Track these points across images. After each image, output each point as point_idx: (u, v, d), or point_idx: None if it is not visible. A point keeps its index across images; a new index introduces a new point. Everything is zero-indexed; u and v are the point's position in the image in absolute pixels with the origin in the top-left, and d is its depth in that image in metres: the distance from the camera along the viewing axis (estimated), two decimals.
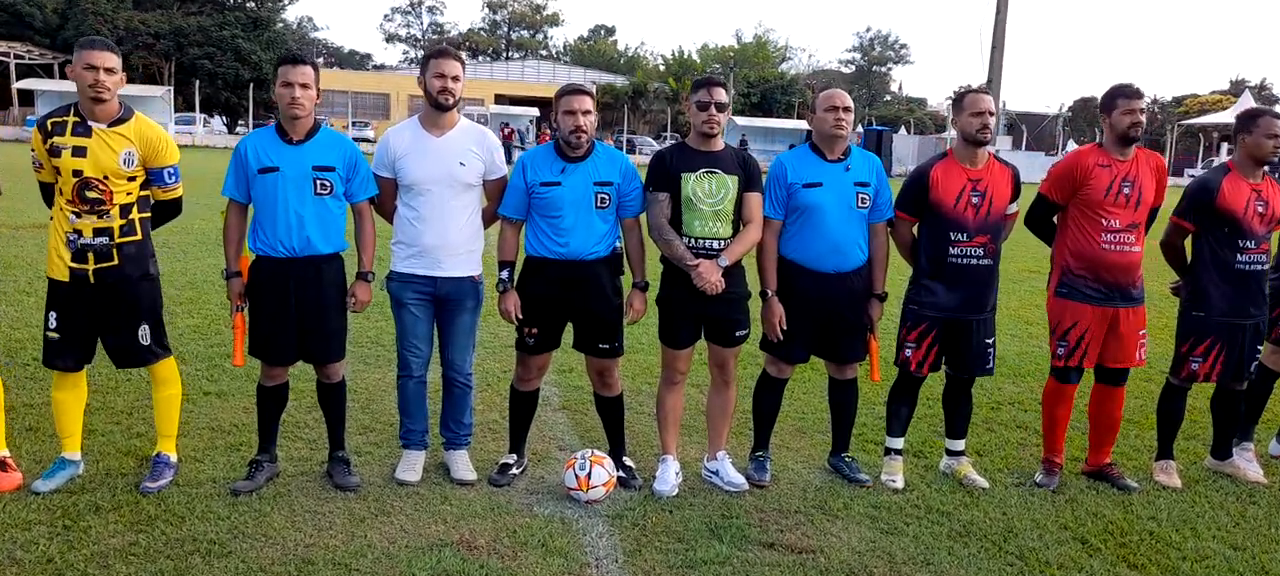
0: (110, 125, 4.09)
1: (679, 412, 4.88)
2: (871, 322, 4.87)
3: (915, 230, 4.91)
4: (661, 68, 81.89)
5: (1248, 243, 4.89)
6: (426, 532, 4.08)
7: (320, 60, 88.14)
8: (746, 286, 4.73)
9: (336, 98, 56.92)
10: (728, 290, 4.59)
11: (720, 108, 4.51)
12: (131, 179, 4.16)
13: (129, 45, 58.25)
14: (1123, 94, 4.78)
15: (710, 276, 4.43)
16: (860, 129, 51.42)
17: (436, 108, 4.43)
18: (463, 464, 4.72)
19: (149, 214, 4.31)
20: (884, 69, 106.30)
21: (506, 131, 44.77)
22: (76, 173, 4.03)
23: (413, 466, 4.67)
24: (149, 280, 4.31)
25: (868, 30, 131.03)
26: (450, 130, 4.50)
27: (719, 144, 4.59)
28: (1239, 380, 5.14)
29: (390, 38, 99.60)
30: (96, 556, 3.71)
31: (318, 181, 4.26)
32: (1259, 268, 4.95)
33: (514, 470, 4.77)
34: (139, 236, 4.23)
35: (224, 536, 3.93)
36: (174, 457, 4.53)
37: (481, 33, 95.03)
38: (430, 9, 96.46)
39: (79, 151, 4.02)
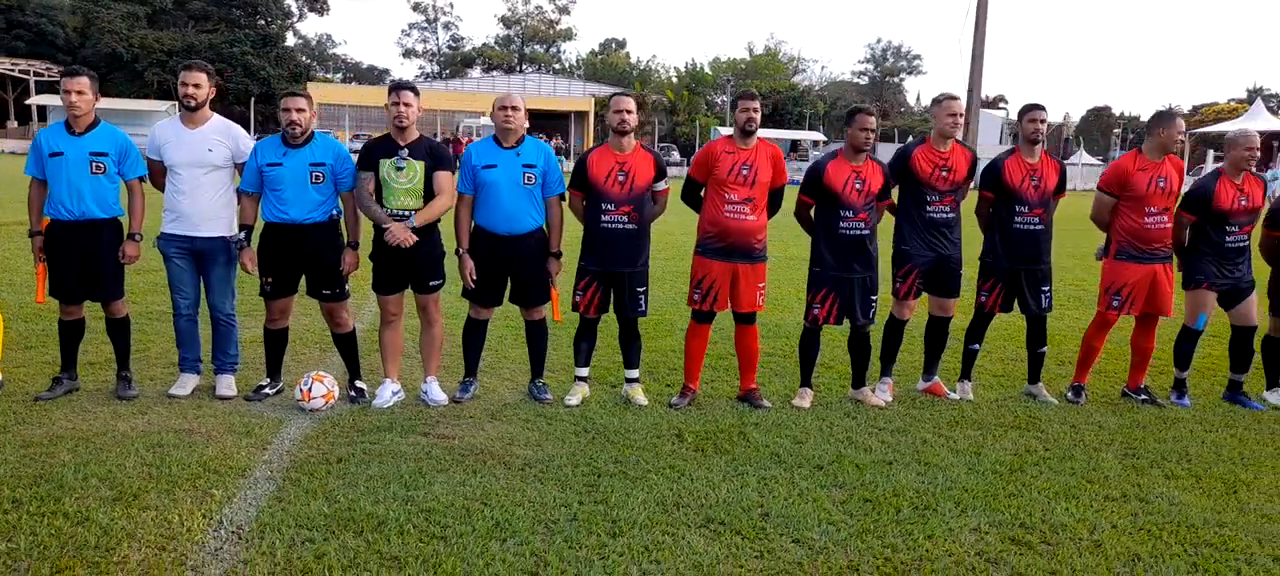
0: None
1: (396, 346, 6.23)
2: (550, 275, 6.20)
3: (583, 203, 6.23)
4: (673, 80, 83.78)
5: (847, 212, 6.17)
6: (165, 425, 5.45)
7: (337, 76, 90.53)
8: (440, 245, 6.08)
9: (338, 111, 58.56)
10: (421, 248, 5.94)
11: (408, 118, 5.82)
12: None
13: (144, 62, 60.75)
14: (744, 96, 6.10)
15: (399, 234, 5.76)
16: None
17: (186, 109, 5.83)
18: (226, 384, 6.10)
19: None
20: (897, 79, 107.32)
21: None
22: None
23: (184, 386, 6.06)
24: None
25: (879, 41, 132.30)
26: (203, 125, 5.89)
27: (412, 136, 5.91)
28: (856, 321, 6.39)
29: (407, 53, 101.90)
30: None
31: (93, 163, 5.67)
32: (857, 233, 6.19)
33: (267, 391, 6.13)
34: None
35: (10, 423, 5.34)
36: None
37: (496, 48, 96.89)
38: (446, 25, 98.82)
39: None
